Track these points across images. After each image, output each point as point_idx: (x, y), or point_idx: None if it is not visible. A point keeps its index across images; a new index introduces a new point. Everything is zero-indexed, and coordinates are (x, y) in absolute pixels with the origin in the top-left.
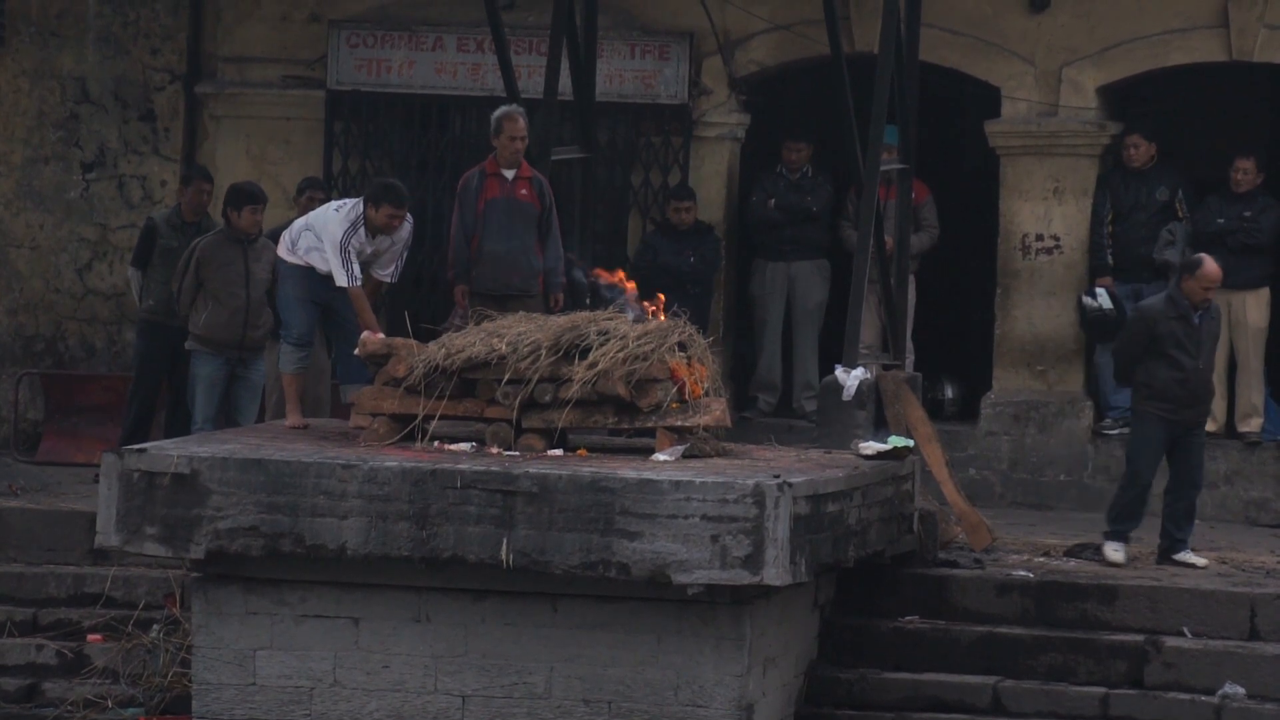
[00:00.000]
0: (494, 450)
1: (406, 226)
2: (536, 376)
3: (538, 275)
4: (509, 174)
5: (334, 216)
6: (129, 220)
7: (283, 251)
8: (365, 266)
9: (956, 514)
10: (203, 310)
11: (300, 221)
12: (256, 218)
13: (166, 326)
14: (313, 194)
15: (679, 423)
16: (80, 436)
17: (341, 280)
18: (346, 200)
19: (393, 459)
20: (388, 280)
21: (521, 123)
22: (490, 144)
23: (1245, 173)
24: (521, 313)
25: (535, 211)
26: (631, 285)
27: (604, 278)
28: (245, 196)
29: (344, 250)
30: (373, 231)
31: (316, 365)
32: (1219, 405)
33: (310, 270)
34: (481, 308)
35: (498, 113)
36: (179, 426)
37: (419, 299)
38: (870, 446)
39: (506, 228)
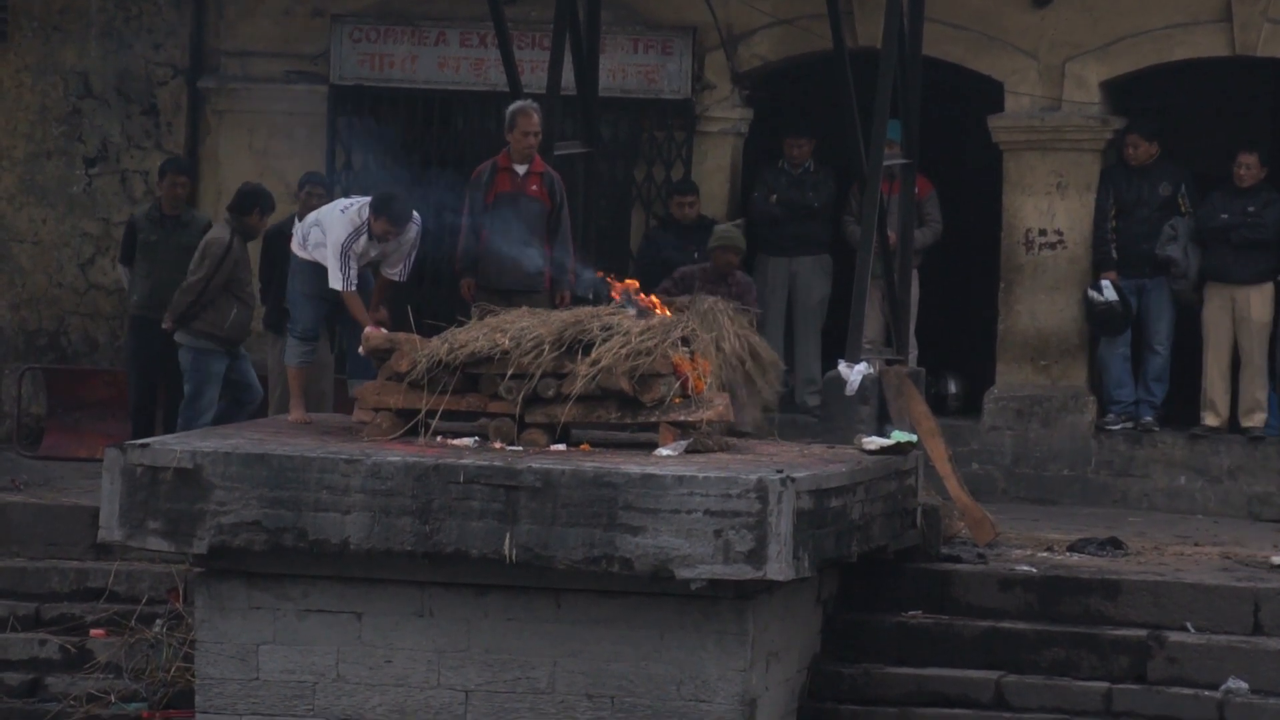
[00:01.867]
0: (497, 445)
1: (414, 227)
2: (540, 371)
3: (543, 272)
4: (520, 169)
5: (339, 218)
6: (132, 215)
7: (295, 246)
8: (374, 265)
9: (959, 509)
10: (229, 310)
11: (312, 216)
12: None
13: (155, 321)
14: (312, 189)
15: (682, 417)
16: (83, 431)
17: (336, 283)
18: (354, 200)
19: (396, 454)
20: (396, 279)
21: (536, 118)
22: (505, 138)
23: (1248, 167)
24: (525, 308)
25: (544, 208)
26: (633, 283)
27: (614, 285)
28: (267, 200)
29: (344, 254)
30: (378, 238)
31: (319, 360)
32: (1222, 400)
33: (318, 265)
34: (484, 303)
35: (513, 107)
36: (178, 422)
37: (421, 294)
38: (873, 441)
39: (514, 223)
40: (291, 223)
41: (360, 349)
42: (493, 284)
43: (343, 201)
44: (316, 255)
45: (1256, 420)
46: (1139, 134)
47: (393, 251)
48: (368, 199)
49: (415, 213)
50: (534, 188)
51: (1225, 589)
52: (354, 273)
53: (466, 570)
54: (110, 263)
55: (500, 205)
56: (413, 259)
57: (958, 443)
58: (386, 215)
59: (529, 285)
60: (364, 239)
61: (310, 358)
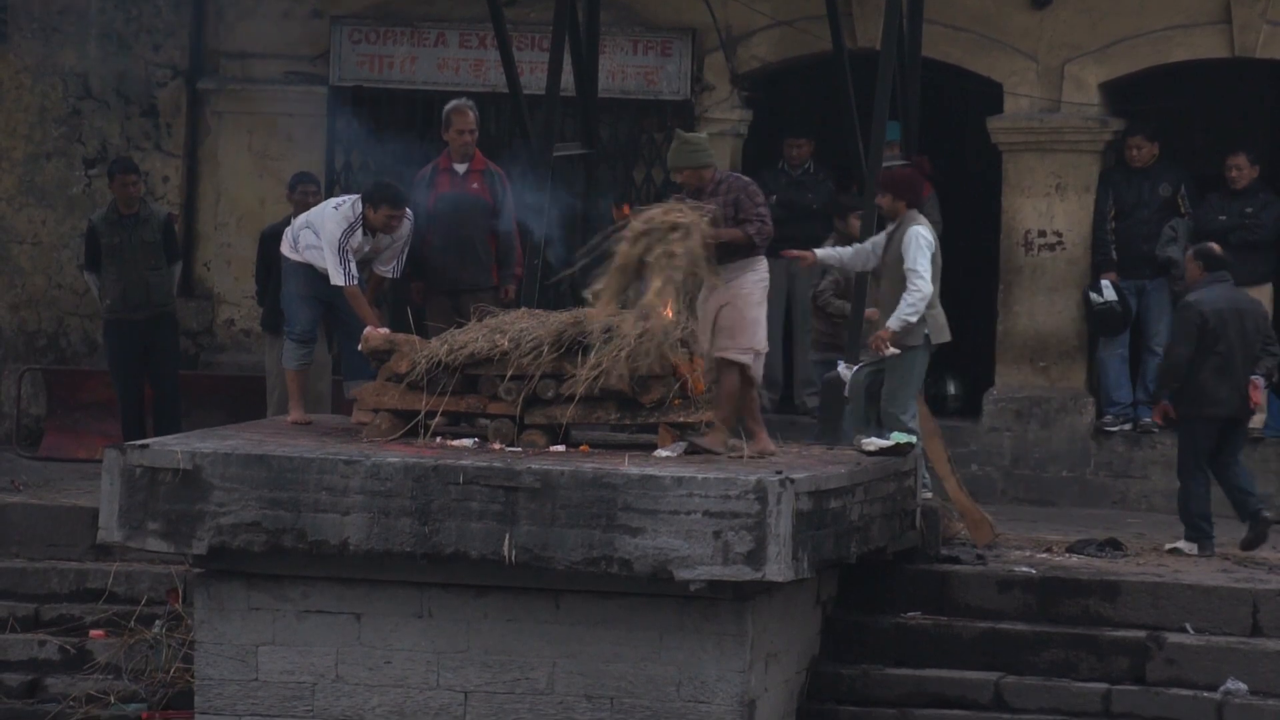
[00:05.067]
0: (496, 446)
1: (406, 223)
2: (539, 373)
3: (489, 268)
4: (460, 168)
5: (331, 215)
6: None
7: (285, 249)
8: (366, 263)
9: (959, 510)
10: None
11: (301, 218)
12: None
13: (130, 322)
14: (304, 188)
15: (681, 418)
16: (82, 432)
17: (338, 279)
18: (345, 197)
19: (395, 455)
20: (389, 276)
21: (471, 116)
22: (443, 137)
23: (1239, 169)
24: (524, 309)
25: (487, 205)
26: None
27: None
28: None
29: (340, 250)
30: (372, 230)
31: (317, 361)
32: None
33: (311, 267)
34: (437, 303)
35: (448, 106)
36: (167, 427)
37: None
38: (872, 442)
39: (455, 222)
40: (287, 224)
41: (360, 348)
42: (441, 285)
43: (333, 200)
44: (308, 257)
45: (1255, 422)
46: (1142, 135)
47: (385, 248)
48: (356, 197)
49: (408, 209)
50: (475, 185)
51: (1224, 590)
52: (353, 268)
53: (466, 571)
54: None
55: (442, 206)
56: (405, 255)
57: (957, 444)
58: (386, 202)
59: (473, 284)
60: (358, 234)
61: (308, 359)
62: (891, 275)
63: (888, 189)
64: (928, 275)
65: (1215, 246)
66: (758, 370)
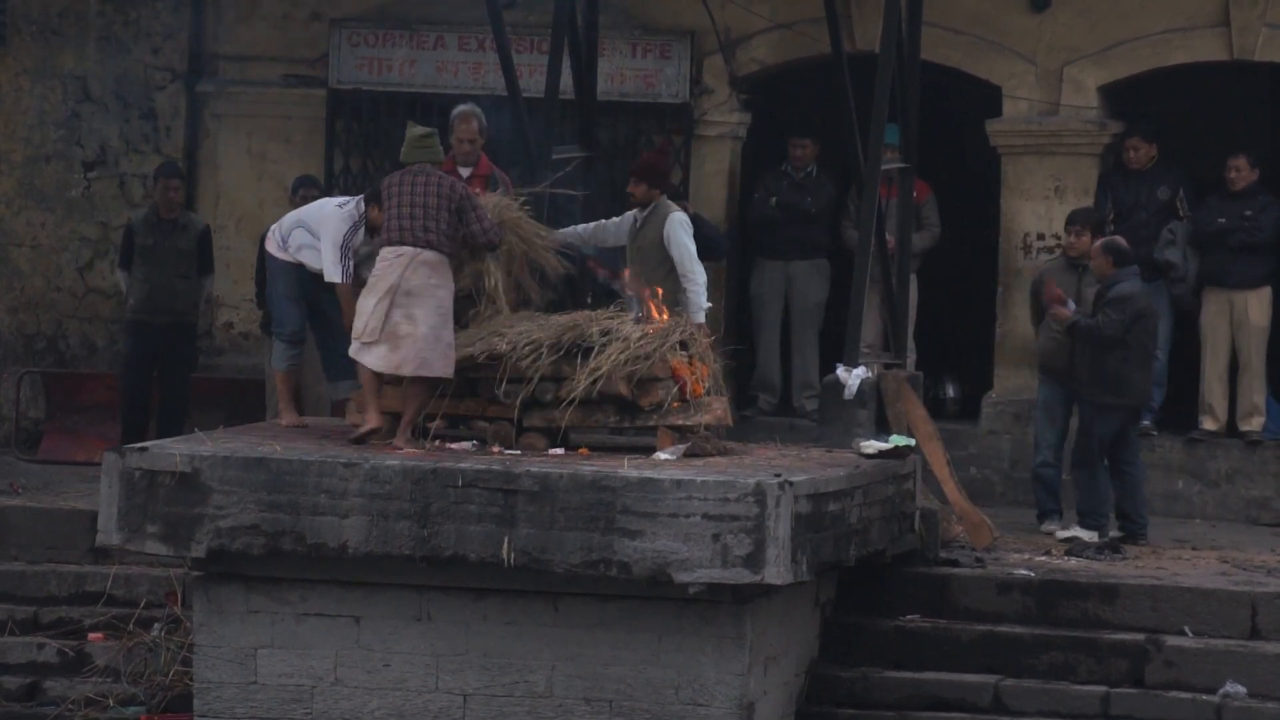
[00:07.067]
0: (495, 449)
1: None
2: (538, 375)
3: None
4: (464, 172)
5: (336, 212)
6: (129, 220)
7: (272, 248)
8: (363, 264)
9: (957, 513)
10: None
11: (291, 217)
12: None
13: (151, 325)
14: (306, 192)
15: (680, 421)
16: (81, 435)
17: (334, 275)
18: (349, 198)
19: (394, 458)
20: None
21: (474, 124)
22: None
23: (1238, 170)
24: (522, 311)
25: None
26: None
27: (608, 276)
28: None
29: (343, 247)
30: (371, 231)
31: (317, 363)
32: (1220, 404)
33: (300, 267)
34: None
35: (454, 111)
36: (171, 429)
37: None
38: (871, 445)
39: None
40: None
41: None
42: None
43: (334, 199)
44: (302, 256)
45: (1254, 424)
46: (1140, 136)
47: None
48: (360, 197)
49: None
50: (477, 190)
51: (1223, 593)
52: (352, 267)
53: (465, 574)
54: (109, 266)
55: None
56: None
57: (956, 447)
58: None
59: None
60: (360, 233)
61: (297, 360)
62: (645, 258)
63: (642, 178)
64: (698, 259)
65: (1122, 240)
66: (365, 359)
